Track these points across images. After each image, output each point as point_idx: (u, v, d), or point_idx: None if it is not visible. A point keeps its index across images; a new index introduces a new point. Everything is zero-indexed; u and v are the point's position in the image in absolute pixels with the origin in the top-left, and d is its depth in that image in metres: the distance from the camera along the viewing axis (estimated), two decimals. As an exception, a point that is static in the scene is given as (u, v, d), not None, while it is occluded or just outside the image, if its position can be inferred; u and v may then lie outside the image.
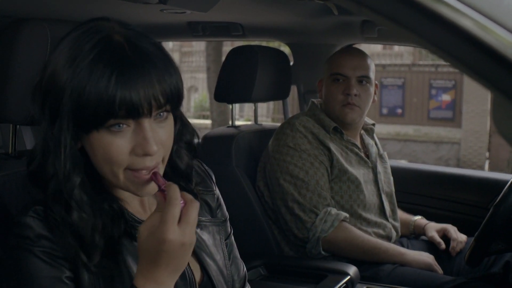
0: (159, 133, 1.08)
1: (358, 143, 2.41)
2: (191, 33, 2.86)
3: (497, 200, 1.82)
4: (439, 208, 2.47)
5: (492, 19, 0.72)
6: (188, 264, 1.21)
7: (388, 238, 2.33)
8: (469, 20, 0.72)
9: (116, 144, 1.05)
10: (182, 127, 1.23)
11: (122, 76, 1.02)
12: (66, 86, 1.03)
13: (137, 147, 1.05)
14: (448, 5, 0.73)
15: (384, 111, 14.19)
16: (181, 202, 1.02)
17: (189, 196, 1.03)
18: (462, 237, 2.35)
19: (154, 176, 1.08)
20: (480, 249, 1.86)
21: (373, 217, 2.32)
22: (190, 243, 1.01)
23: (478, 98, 12.63)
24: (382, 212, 2.37)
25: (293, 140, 2.27)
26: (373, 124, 2.55)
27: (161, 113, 1.09)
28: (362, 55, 2.38)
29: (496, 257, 2.18)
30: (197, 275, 1.23)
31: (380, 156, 2.50)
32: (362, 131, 2.49)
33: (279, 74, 2.55)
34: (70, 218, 1.06)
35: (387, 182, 2.48)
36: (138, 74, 1.03)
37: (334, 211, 2.19)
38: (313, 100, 2.48)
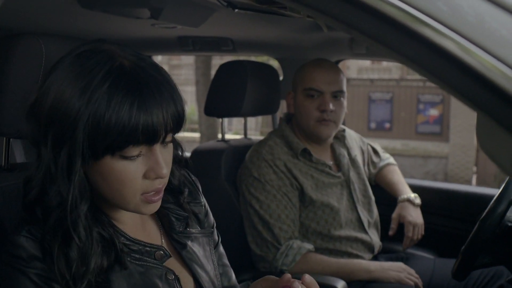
0: (165, 156, 1.12)
1: (328, 159, 2.37)
2: (181, 47, 2.88)
3: (484, 215, 1.84)
4: (426, 222, 2.49)
5: (474, 42, 0.75)
6: (178, 279, 1.22)
7: (370, 250, 2.32)
8: (451, 42, 0.75)
9: (130, 170, 1.07)
10: None
11: (143, 104, 1.03)
12: (81, 113, 1.02)
13: (149, 171, 1.09)
14: (432, 27, 0.76)
15: (372, 125, 14.23)
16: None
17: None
18: (418, 233, 2.38)
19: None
20: (467, 263, 1.87)
21: (352, 232, 2.28)
22: None
23: (465, 113, 12.69)
24: (360, 224, 2.33)
25: (258, 170, 2.24)
26: (344, 130, 2.48)
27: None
28: (336, 68, 2.32)
29: (489, 281, 2.18)
30: (190, 287, 1.25)
31: (352, 161, 2.44)
32: (334, 140, 2.43)
33: (269, 88, 2.57)
34: (68, 251, 1.05)
35: (362, 189, 2.42)
36: (156, 102, 1.05)
37: (296, 244, 2.14)
38: (281, 116, 2.45)
